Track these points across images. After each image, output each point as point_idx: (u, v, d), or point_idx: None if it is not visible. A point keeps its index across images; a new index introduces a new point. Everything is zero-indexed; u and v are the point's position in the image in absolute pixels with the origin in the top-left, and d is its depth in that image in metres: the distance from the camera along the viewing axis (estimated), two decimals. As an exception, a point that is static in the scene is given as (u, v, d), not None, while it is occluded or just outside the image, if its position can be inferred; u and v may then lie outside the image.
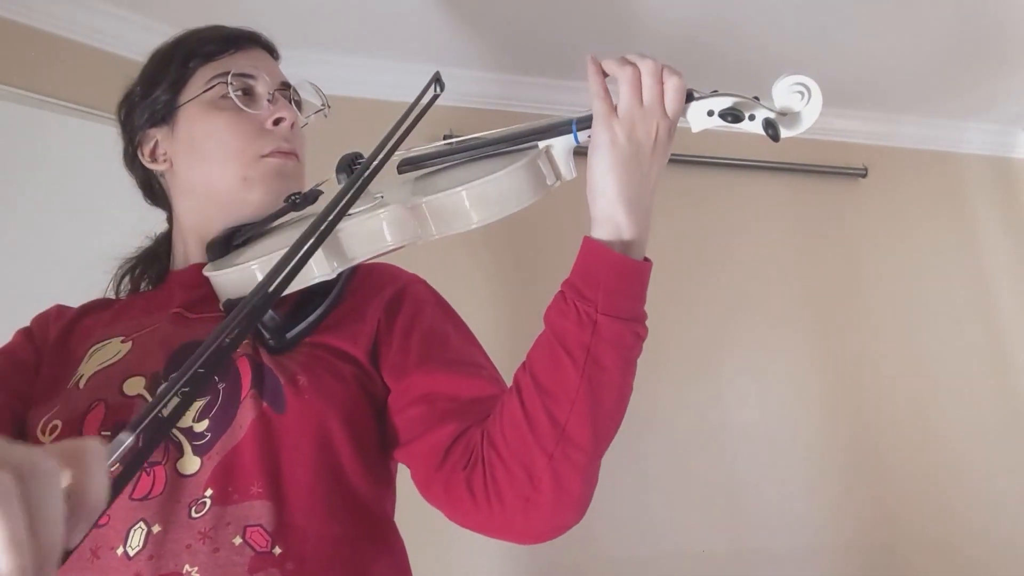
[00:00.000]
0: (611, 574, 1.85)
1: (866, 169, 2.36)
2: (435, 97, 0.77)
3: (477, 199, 0.64)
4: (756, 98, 0.67)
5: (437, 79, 0.78)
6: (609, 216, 0.65)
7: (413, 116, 0.72)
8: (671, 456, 1.99)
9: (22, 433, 0.73)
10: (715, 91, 0.68)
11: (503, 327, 1.63)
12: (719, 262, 2.18)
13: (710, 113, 0.67)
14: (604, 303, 0.63)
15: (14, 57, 1.53)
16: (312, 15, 1.73)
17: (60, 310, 0.86)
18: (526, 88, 2.07)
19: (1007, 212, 2.56)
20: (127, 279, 0.91)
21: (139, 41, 1.69)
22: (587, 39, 1.87)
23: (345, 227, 0.68)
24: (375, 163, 0.65)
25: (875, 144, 2.38)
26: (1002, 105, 2.37)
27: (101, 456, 0.37)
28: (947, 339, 2.35)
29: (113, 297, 0.90)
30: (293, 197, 0.76)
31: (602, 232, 0.65)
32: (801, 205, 2.31)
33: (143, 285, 0.91)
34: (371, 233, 0.68)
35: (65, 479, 0.36)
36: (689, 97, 0.67)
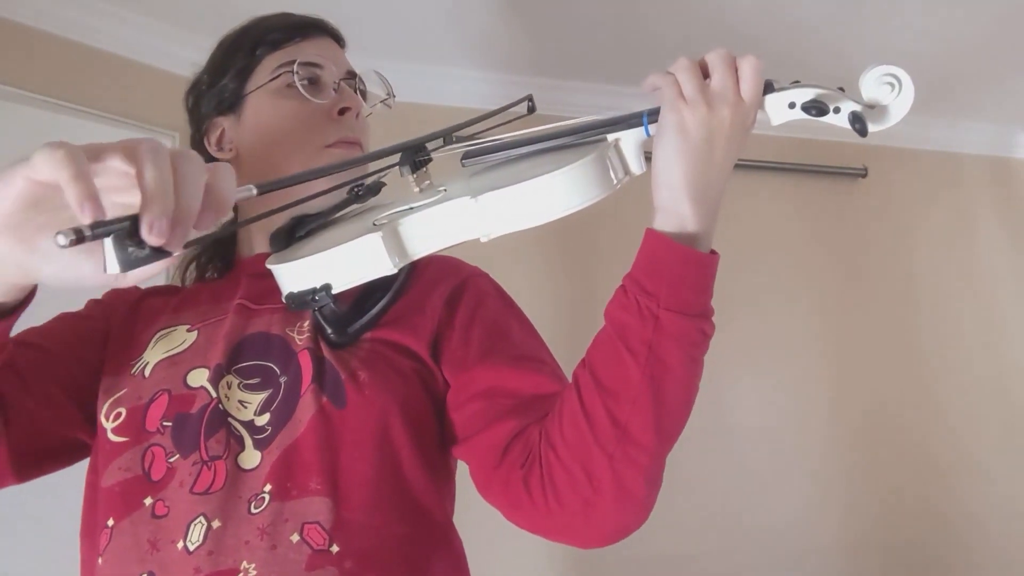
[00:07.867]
0: (610, 574, 1.85)
1: (866, 169, 2.36)
2: (521, 115, 0.77)
3: (544, 194, 0.61)
4: (841, 89, 0.63)
5: (529, 99, 0.77)
6: (673, 206, 0.61)
7: (494, 122, 0.72)
8: (672, 457, 1.98)
9: (80, 398, 0.73)
10: (796, 82, 0.64)
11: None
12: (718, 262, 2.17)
13: (791, 105, 0.63)
14: (667, 298, 0.60)
15: (15, 57, 1.52)
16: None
17: (128, 288, 0.84)
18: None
19: (1007, 212, 2.56)
20: (193, 266, 0.90)
21: (137, 41, 1.68)
22: (588, 37, 1.87)
23: (407, 222, 0.65)
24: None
25: (875, 144, 2.37)
26: (1002, 105, 2.37)
27: (230, 170, 0.50)
28: (947, 339, 2.36)
29: (179, 285, 0.89)
30: (356, 189, 0.74)
31: (665, 223, 0.62)
32: (801, 205, 2.31)
33: (209, 273, 0.89)
34: (434, 228, 0.65)
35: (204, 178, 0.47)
36: (768, 88, 0.63)
